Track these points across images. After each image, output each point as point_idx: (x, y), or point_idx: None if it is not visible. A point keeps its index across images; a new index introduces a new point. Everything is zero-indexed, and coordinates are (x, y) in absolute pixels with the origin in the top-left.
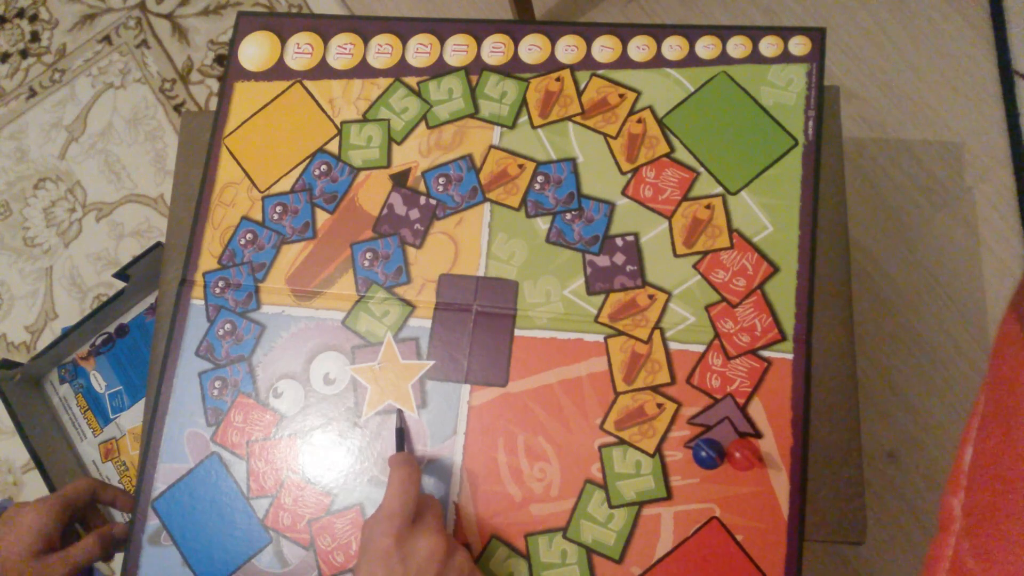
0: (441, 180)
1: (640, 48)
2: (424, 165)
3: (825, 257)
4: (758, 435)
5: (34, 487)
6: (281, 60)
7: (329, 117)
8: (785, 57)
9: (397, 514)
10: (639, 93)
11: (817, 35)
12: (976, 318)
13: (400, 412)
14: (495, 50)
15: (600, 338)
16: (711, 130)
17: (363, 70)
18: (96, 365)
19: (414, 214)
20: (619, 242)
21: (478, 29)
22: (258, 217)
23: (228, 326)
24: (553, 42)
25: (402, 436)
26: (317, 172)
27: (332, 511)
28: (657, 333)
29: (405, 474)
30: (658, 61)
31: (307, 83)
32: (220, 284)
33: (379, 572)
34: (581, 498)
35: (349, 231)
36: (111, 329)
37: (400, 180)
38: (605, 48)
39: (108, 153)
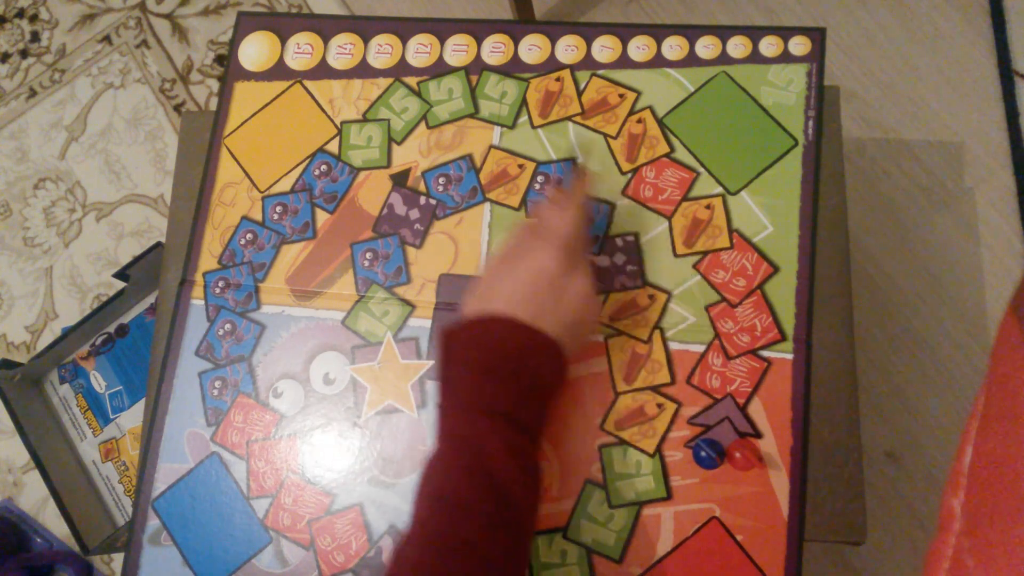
0: (441, 180)
1: (640, 48)
2: (424, 165)
3: (825, 257)
4: (758, 435)
5: (34, 487)
6: (281, 60)
7: (329, 117)
8: (785, 57)
9: (566, 239)
10: (639, 93)
11: (817, 35)
12: (976, 318)
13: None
14: (495, 50)
15: (600, 338)
16: (711, 130)
17: (363, 70)
18: (96, 365)
19: (414, 214)
20: (619, 242)
21: (478, 29)
22: (258, 217)
23: (228, 326)
24: (553, 42)
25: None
26: (317, 172)
27: (332, 511)
28: (657, 333)
29: (573, 205)
30: (658, 61)
31: (307, 83)
32: (220, 284)
33: (527, 284)
34: (581, 498)
35: (349, 231)
36: (111, 329)
37: (400, 180)
38: (605, 48)
39: (108, 153)
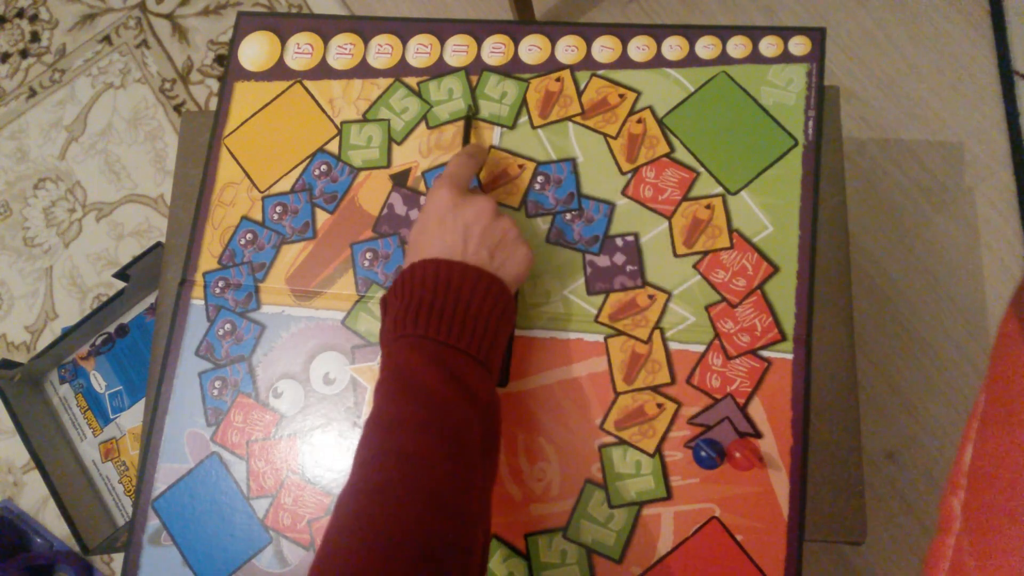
0: None
1: (640, 48)
2: (424, 165)
3: (825, 257)
4: (758, 435)
5: (34, 487)
6: (281, 60)
7: (329, 117)
8: (785, 57)
9: (456, 174)
10: (639, 93)
11: (817, 35)
12: (976, 318)
13: (469, 108)
14: (495, 50)
15: (600, 338)
16: (711, 130)
17: (363, 70)
18: (96, 365)
19: (414, 214)
20: (619, 242)
21: (478, 29)
22: (258, 217)
23: (228, 326)
24: (553, 42)
25: (469, 125)
26: (317, 172)
27: (332, 511)
28: (657, 333)
29: (471, 149)
30: (658, 61)
31: (307, 83)
32: (220, 284)
33: (432, 223)
34: (581, 498)
35: (349, 231)
36: (111, 329)
37: (400, 180)
38: (605, 48)
39: (108, 153)
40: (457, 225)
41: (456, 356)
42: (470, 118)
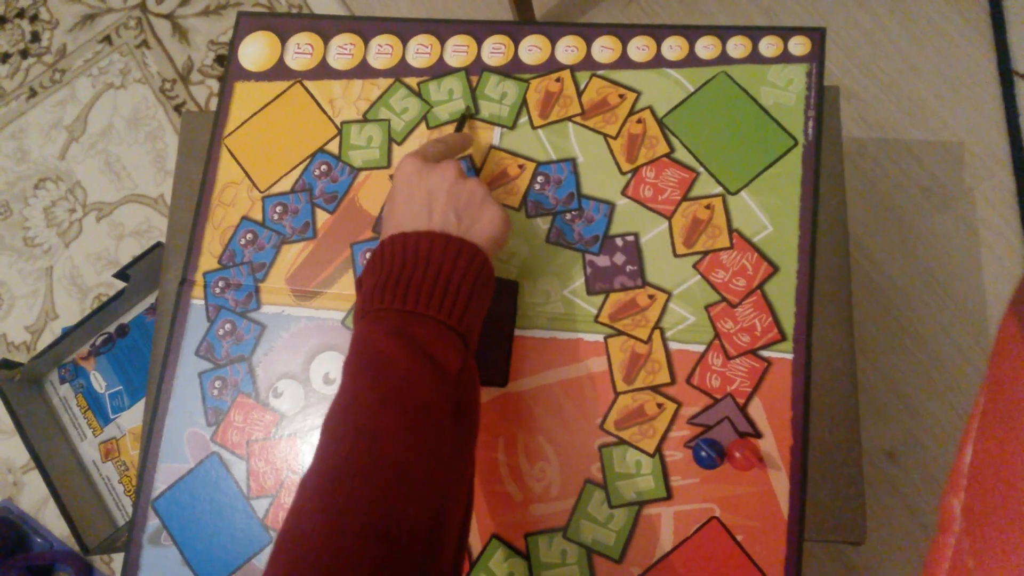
0: None
1: (640, 48)
2: None
3: (825, 257)
4: (758, 435)
5: (34, 487)
6: (281, 60)
7: (329, 117)
8: (785, 57)
9: (423, 150)
10: (639, 93)
11: (817, 35)
12: (976, 318)
13: (467, 108)
14: (495, 51)
15: (600, 338)
16: (711, 130)
17: (363, 70)
18: (96, 365)
19: None
20: (619, 242)
21: (478, 30)
22: (258, 217)
23: (228, 326)
24: (553, 43)
25: (463, 121)
26: (317, 172)
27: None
28: (657, 333)
29: (449, 135)
30: (658, 61)
31: (307, 83)
32: (220, 284)
33: (399, 195)
34: (581, 498)
35: (349, 231)
36: (111, 329)
37: None
38: (605, 48)
39: (108, 153)
40: (421, 192)
41: (420, 323)
42: (466, 116)
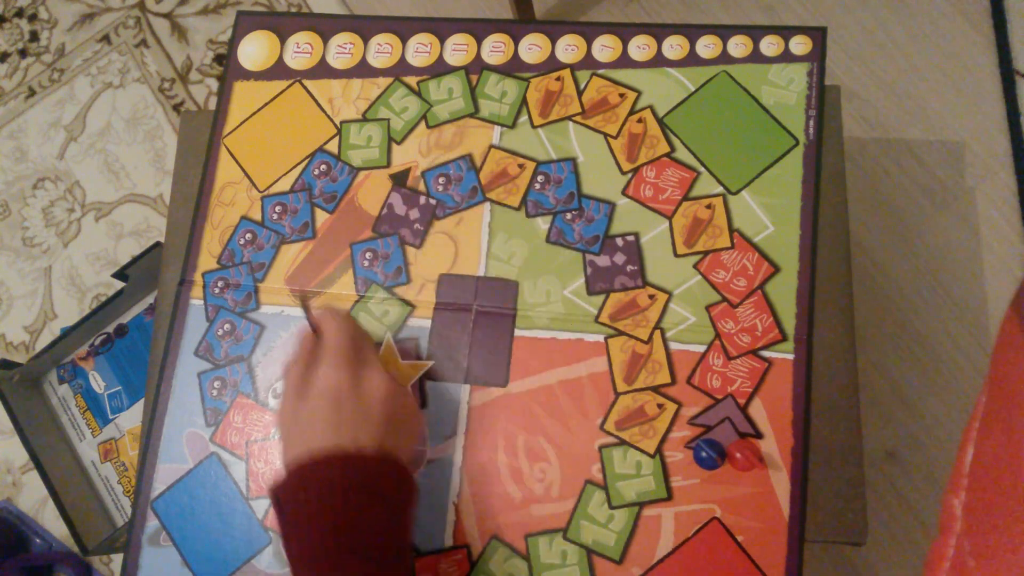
0: (441, 180)
1: (640, 48)
2: (424, 165)
3: (826, 257)
4: (759, 435)
5: (33, 487)
6: (281, 59)
7: (329, 117)
8: (786, 56)
9: (345, 349)
10: (639, 93)
11: (818, 34)
12: (977, 318)
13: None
14: (495, 50)
15: (600, 338)
16: (712, 130)
17: (363, 70)
18: (95, 365)
19: (414, 214)
20: (619, 242)
21: (478, 29)
22: (257, 217)
23: (227, 326)
24: (553, 42)
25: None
26: (317, 172)
27: None
28: (658, 333)
29: (340, 315)
30: (658, 61)
31: (307, 83)
32: (219, 284)
33: (326, 408)
34: (581, 499)
35: (349, 231)
36: (110, 329)
37: (400, 180)
38: (605, 48)
39: (107, 153)
40: (358, 411)
41: (375, 567)
42: (307, 307)
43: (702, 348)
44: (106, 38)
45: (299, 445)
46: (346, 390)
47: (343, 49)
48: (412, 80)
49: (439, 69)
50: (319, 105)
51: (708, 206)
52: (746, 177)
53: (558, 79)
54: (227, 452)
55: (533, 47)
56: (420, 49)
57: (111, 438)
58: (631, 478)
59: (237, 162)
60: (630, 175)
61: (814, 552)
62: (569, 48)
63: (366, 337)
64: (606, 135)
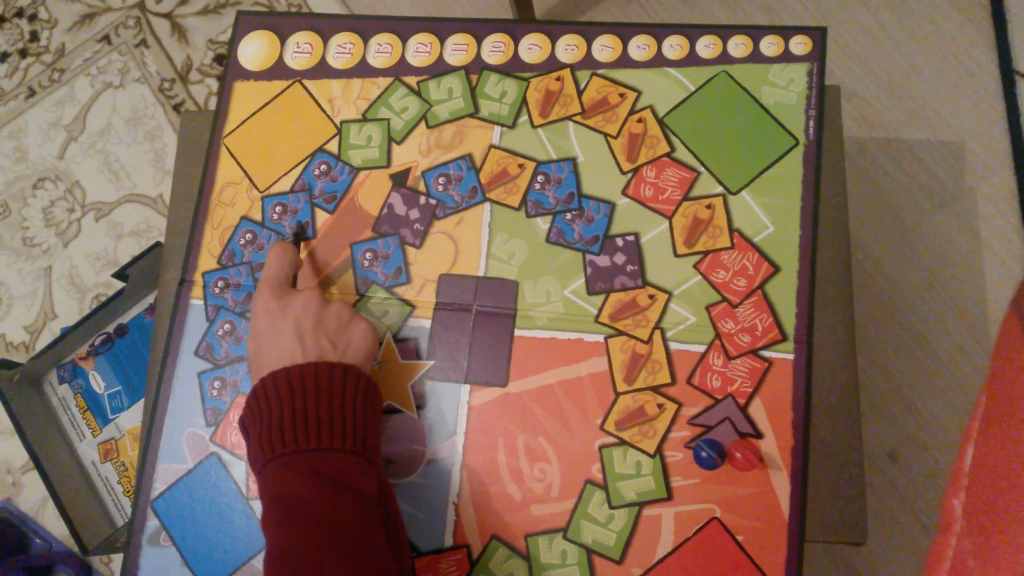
0: (441, 180)
1: (640, 47)
2: (424, 165)
3: (826, 257)
4: (759, 435)
5: (33, 487)
6: (281, 59)
7: (329, 117)
8: (786, 56)
9: (273, 277)
10: (639, 93)
11: (818, 34)
12: (977, 318)
13: (299, 224)
14: (495, 49)
15: (600, 338)
16: (712, 130)
17: (363, 69)
18: (95, 365)
19: (414, 214)
20: (619, 242)
21: (478, 28)
22: (258, 217)
23: (227, 326)
24: (553, 41)
25: (299, 240)
26: (317, 172)
27: None
28: (658, 333)
29: (280, 250)
30: (658, 60)
31: (307, 82)
32: (219, 284)
33: (263, 326)
34: (581, 499)
35: (349, 231)
36: (110, 329)
37: (400, 180)
38: (605, 47)
39: (107, 153)
40: (288, 326)
41: (331, 458)
42: (299, 235)
43: (702, 348)
44: (106, 38)
45: (254, 374)
46: (275, 312)
47: (343, 49)
48: (412, 80)
49: (439, 69)
50: (319, 105)
51: (708, 206)
52: (746, 177)
53: (558, 79)
54: (227, 452)
55: (533, 47)
56: (420, 49)
57: (111, 438)
58: (631, 478)
59: (237, 162)
60: (630, 175)
61: (814, 552)
62: (569, 48)
63: (299, 264)
64: (606, 135)
